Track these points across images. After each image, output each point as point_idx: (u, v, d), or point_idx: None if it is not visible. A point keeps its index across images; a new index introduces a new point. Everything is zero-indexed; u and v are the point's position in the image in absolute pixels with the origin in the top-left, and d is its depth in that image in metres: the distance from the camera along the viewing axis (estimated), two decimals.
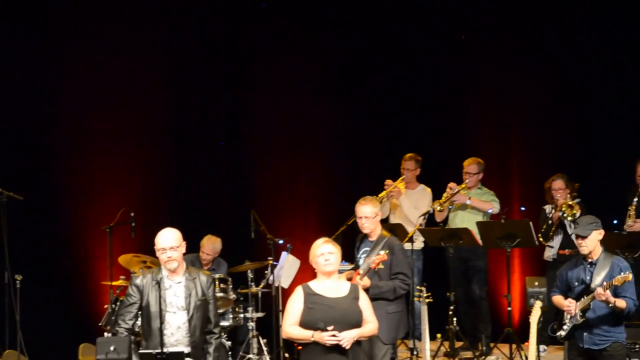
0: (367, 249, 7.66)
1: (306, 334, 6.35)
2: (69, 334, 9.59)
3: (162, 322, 6.62)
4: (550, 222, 9.54)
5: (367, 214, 7.60)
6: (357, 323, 6.44)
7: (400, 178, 9.92)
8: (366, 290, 7.19)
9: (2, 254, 8.83)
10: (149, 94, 11.02)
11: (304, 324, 6.39)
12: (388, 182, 9.80)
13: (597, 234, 7.05)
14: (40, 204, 10.20)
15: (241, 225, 9.97)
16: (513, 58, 10.90)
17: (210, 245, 9.80)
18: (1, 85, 10.41)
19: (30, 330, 8.84)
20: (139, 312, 6.79)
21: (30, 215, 9.89)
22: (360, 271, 7.46)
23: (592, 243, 7.03)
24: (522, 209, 10.61)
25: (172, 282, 6.77)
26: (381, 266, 7.36)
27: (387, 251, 7.37)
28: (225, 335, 9.15)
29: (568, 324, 7.10)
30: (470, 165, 9.76)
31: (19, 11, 10.54)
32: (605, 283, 6.89)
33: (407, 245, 8.83)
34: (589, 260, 7.10)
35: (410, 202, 9.90)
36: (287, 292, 9.43)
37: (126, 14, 10.91)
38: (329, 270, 6.50)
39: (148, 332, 6.73)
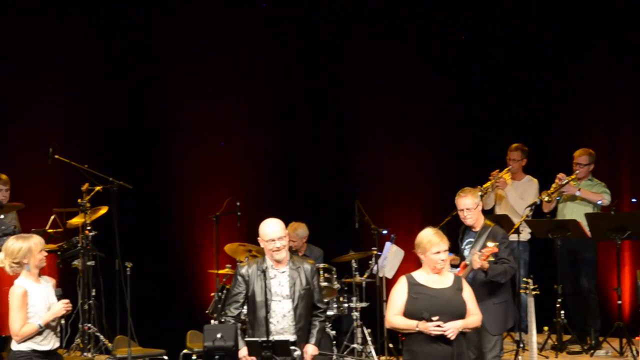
0: (471, 239, 7.57)
1: (410, 324, 6.33)
2: (177, 321, 9.74)
3: (267, 311, 6.69)
4: None
5: (468, 205, 7.51)
6: (461, 314, 6.39)
7: (507, 169, 9.78)
8: (485, 271, 7.18)
9: (113, 241, 9.03)
10: (256, 85, 11.12)
11: (408, 313, 6.37)
12: (495, 172, 9.69)
13: None
14: (150, 193, 10.40)
15: (345, 215, 9.98)
16: (625, 47, 10.62)
17: (293, 232, 9.78)
18: (110, 76, 10.66)
19: (140, 317, 9.03)
20: (245, 301, 6.87)
21: (140, 204, 10.09)
22: (467, 261, 7.39)
23: None
24: (633, 200, 10.35)
25: (276, 271, 6.83)
26: (491, 258, 7.25)
27: (497, 243, 7.26)
28: (330, 325, 9.18)
29: None
30: (581, 156, 9.55)
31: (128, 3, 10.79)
32: None
33: (514, 237, 8.70)
34: None
35: (516, 192, 9.76)
36: (391, 282, 9.40)
37: (234, 10, 11.03)
38: (441, 268, 6.46)
39: (254, 320, 6.80)
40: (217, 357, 6.40)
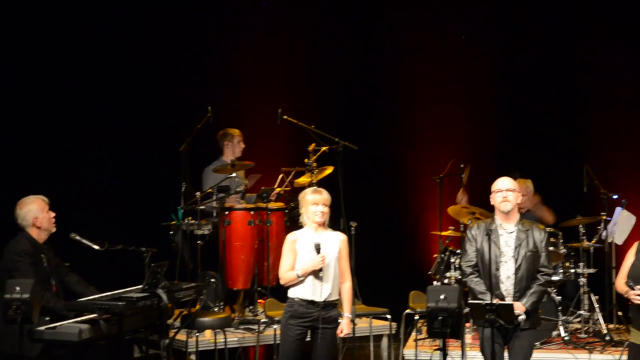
0: None
1: (625, 289, 6.20)
2: (400, 281, 9.81)
3: (495, 270, 6.66)
4: None
5: None
6: None
7: None
8: None
9: (338, 201, 9.18)
10: (483, 47, 10.98)
11: (631, 278, 6.23)
12: None
13: None
14: (375, 154, 10.50)
15: (574, 179, 9.69)
16: None
17: (523, 185, 9.50)
18: (335, 39, 10.82)
19: (364, 276, 9.17)
20: (477, 260, 6.84)
21: (365, 165, 10.22)
22: None
23: None
24: None
25: (504, 231, 6.77)
26: None
27: None
28: (555, 290, 8.99)
29: None
30: None
31: None
32: None
33: None
34: None
35: None
36: (620, 249, 9.07)
37: None
38: None
39: (483, 280, 6.77)
40: (440, 317, 6.40)
